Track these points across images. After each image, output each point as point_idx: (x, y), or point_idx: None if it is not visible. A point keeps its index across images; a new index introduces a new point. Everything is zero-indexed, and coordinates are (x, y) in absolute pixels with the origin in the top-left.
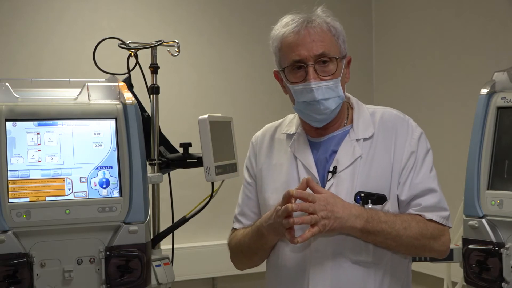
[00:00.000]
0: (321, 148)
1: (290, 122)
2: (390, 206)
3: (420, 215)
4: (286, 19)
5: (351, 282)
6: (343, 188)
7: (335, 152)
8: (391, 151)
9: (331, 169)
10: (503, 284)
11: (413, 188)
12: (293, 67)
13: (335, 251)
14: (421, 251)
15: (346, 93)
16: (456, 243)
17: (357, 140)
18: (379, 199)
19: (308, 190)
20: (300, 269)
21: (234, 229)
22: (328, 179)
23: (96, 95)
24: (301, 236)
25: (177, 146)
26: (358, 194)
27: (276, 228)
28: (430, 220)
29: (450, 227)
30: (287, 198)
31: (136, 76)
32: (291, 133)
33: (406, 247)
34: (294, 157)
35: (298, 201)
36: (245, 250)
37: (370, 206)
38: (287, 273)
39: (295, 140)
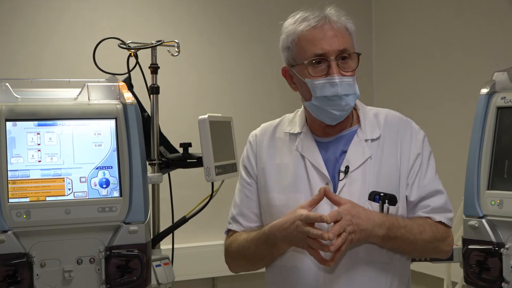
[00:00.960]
0: (330, 148)
1: (291, 121)
2: (400, 206)
3: (429, 218)
4: (301, 14)
5: (365, 282)
6: (355, 188)
7: (344, 152)
8: (397, 153)
9: (342, 168)
10: (503, 284)
11: (421, 189)
12: (314, 61)
13: (350, 251)
14: (431, 253)
15: None
16: (456, 243)
17: (366, 140)
18: (391, 199)
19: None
20: (314, 269)
21: (231, 231)
22: (341, 179)
23: (96, 95)
24: (332, 259)
25: (177, 146)
26: (375, 194)
27: (296, 242)
28: (439, 222)
29: (451, 228)
30: (314, 220)
31: (136, 76)
32: (295, 132)
33: (420, 251)
34: (301, 156)
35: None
36: (249, 256)
37: (387, 205)
38: (298, 274)
39: (301, 139)
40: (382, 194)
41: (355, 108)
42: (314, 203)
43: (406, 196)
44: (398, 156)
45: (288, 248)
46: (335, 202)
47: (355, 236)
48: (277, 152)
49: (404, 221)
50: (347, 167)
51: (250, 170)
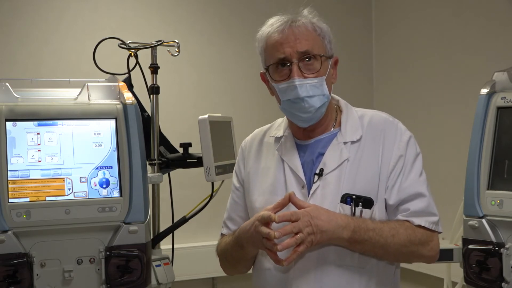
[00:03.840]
0: (308, 150)
1: (279, 125)
2: (378, 210)
3: (408, 221)
4: (271, 20)
5: (335, 286)
6: (329, 190)
7: (322, 154)
8: (379, 155)
9: (317, 171)
10: (503, 284)
11: (401, 192)
12: (278, 65)
13: (320, 255)
14: (409, 258)
15: (335, 95)
16: (456, 243)
17: (345, 143)
18: (366, 202)
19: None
20: (284, 273)
21: (222, 235)
22: (314, 181)
23: (96, 95)
24: (287, 259)
25: (177, 146)
26: (348, 196)
27: (256, 242)
28: (419, 226)
29: (440, 232)
30: (266, 223)
31: (136, 76)
32: (279, 136)
33: (394, 255)
34: (281, 160)
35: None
36: (229, 259)
37: (360, 208)
38: (271, 277)
39: (283, 143)
40: (354, 197)
41: (341, 111)
42: (278, 206)
43: (386, 200)
44: (379, 158)
45: (254, 250)
46: (299, 207)
47: (315, 238)
48: (262, 156)
49: (374, 223)
50: (321, 170)
51: (239, 175)
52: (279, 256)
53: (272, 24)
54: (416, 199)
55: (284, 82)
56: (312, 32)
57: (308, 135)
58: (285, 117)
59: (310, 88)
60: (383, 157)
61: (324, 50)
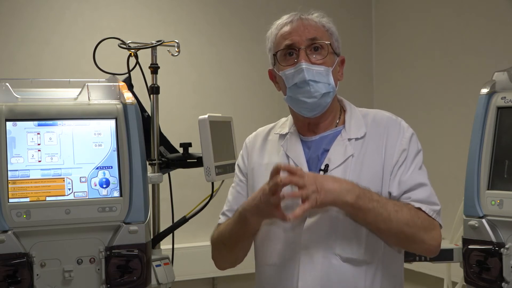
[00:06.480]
0: (312, 146)
1: (283, 124)
2: None
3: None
4: (281, 18)
5: (341, 280)
6: None
7: (326, 150)
8: (382, 151)
9: (322, 167)
10: (503, 284)
11: (403, 183)
12: (286, 53)
13: (326, 248)
14: (411, 241)
15: (339, 96)
16: (456, 243)
17: (349, 139)
18: None
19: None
20: (290, 267)
21: (219, 225)
22: None
23: (96, 95)
24: (293, 213)
25: (177, 146)
26: None
27: (262, 208)
28: (419, 209)
29: (441, 225)
30: (274, 173)
31: (136, 76)
32: (284, 133)
33: (396, 234)
34: (286, 156)
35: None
36: (226, 241)
37: None
38: (276, 271)
39: (288, 139)
40: None
41: (344, 110)
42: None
43: (390, 192)
44: (383, 154)
45: (258, 222)
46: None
47: (319, 196)
48: (267, 153)
49: (378, 196)
50: (326, 166)
51: (243, 168)
52: (286, 220)
53: (281, 18)
54: (417, 188)
55: (291, 67)
56: (320, 26)
57: (313, 130)
58: (289, 116)
59: (316, 74)
60: (387, 153)
61: (332, 43)
